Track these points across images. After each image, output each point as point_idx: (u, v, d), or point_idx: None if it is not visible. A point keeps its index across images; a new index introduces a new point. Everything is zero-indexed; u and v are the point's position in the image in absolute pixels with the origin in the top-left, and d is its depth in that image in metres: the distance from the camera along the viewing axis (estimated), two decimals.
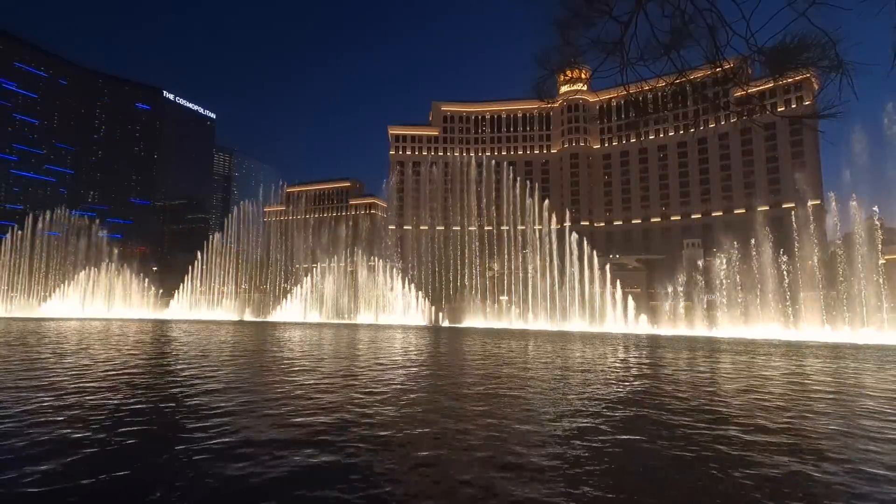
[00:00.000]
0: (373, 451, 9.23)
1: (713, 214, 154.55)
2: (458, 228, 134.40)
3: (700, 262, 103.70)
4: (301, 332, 58.48)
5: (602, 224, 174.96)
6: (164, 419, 11.81)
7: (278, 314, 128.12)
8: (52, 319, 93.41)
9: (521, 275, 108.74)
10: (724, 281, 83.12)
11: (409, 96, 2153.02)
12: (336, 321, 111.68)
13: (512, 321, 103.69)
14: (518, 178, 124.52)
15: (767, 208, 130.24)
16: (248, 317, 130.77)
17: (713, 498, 7.33)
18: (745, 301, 79.86)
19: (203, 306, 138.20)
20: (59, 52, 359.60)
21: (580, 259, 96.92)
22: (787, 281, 76.15)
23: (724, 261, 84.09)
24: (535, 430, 11.01)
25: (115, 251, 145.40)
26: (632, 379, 20.54)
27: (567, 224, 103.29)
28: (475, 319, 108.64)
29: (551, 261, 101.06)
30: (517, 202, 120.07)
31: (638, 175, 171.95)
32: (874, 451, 9.63)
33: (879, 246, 68.66)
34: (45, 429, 10.41)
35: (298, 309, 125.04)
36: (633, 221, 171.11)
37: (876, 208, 73.99)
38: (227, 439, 9.78)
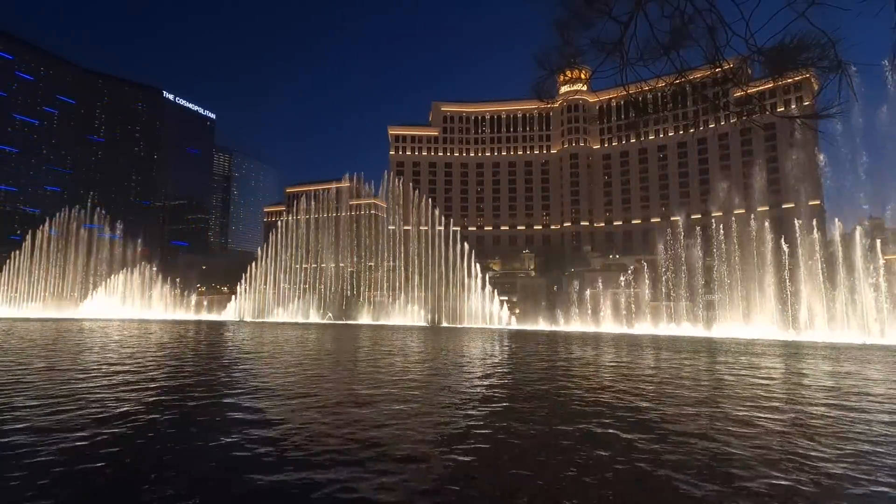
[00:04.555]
0: None
1: (713, 215, 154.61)
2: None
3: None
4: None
5: (602, 224, 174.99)
6: None
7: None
8: None
9: None
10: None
11: (409, 96, 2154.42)
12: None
13: None
14: None
15: (767, 208, 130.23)
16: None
17: None
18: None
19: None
20: (60, 52, 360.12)
21: None
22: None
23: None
24: None
25: None
26: None
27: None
28: None
29: None
30: None
31: (638, 175, 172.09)
32: None
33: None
34: None
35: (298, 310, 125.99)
36: (633, 221, 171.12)
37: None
38: None
